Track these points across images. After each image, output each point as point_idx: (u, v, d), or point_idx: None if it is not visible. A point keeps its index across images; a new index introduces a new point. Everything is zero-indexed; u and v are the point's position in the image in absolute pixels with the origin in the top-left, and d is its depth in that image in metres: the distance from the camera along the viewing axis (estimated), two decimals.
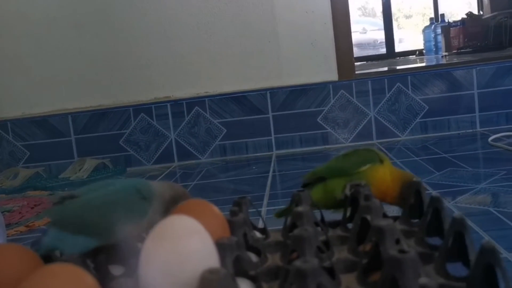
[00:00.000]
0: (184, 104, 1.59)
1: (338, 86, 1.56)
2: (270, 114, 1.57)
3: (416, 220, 0.52)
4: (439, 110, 1.54)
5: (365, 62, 3.37)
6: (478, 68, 1.53)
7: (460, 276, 0.39)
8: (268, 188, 1.11)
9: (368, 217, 0.47)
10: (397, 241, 0.40)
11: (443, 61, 2.25)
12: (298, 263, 0.34)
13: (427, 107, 1.54)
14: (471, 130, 1.53)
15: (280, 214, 0.63)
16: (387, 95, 1.55)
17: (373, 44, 5.00)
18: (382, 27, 3.61)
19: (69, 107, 1.65)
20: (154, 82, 1.63)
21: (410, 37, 5.43)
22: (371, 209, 0.47)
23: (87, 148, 1.62)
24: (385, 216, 0.49)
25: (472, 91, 1.53)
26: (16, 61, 1.66)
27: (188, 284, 0.34)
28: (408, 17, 6.55)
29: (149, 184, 0.51)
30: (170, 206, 0.50)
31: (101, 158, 1.60)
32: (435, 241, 0.47)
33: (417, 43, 3.84)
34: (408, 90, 1.54)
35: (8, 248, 0.42)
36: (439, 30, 3.15)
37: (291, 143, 1.57)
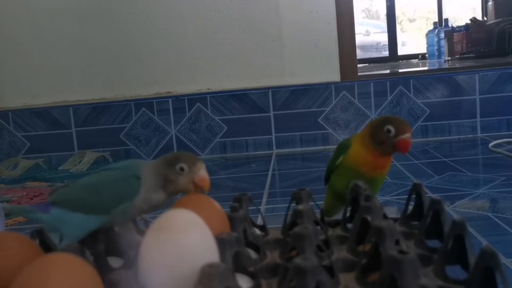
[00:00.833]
0: (186, 100, 1.59)
1: (340, 87, 1.56)
2: (271, 113, 1.57)
3: (415, 222, 0.52)
4: (441, 114, 1.54)
5: (367, 64, 3.37)
6: (480, 73, 1.53)
7: (459, 279, 0.39)
8: (267, 187, 1.11)
9: (368, 218, 0.47)
10: (397, 242, 0.40)
11: (446, 66, 2.26)
12: (298, 260, 0.34)
13: (429, 111, 1.54)
14: (471, 135, 1.53)
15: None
16: (389, 98, 1.55)
17: (376, 46, 5.00)
18: (386, 29, 3.61)
19: (70, 99, 1.65)
20: (156, 77, 1.63)
21: (413, 41, 5.43)
22: (372, 210, 0.47)
23: (88, 140, 1.62)
24: (385, 217, 0.50)
25: (474, 97, 1.53)
26: (18, 51, 1.66)
27: (187, 277, 0.34)
28: (412, 20, 6.55)
29: (142, 163, 0.51)
30: (164, 169, 0.49)
31: (101, 151, 1.60)
32: (434, 243, 0.47)
33: (420, 47, 3.84)
34: (410, 93, 1.54)
35: (8, 236, 0.42)
36: (442, 35, 3.16)
37: (292, 143, 1.57)
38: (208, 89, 1.61)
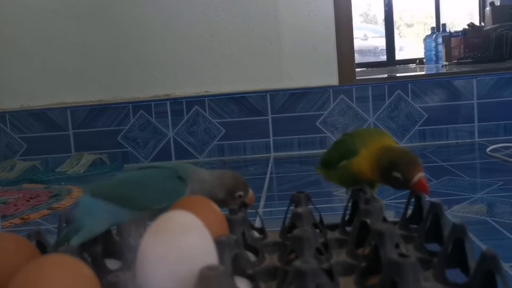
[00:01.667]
0: (184, 102, 1.59)
1: (338, 90, 1.56)
2: (270, 116, 1.57)
3: (415, 226, 0.52)
4: (438, 119, 1.54)
5: (365, 68, 3.38)
6: (478, 78, 1.53)
7: (459, 283, 0.38)
8: (265, 190, 1.11)
9: (368, 221, 0.47)
10: (397, 245, 0.40)
11: (443, 71, 2.26)
12: (297, 263, 0.34)
13: (426, 115, 1.54)
14: (469, 140, 1.53)
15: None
16: (387, 102, 1.55)
17: (374, 51, 5.01)
18: (384, 34, 3.62)
19: (68, 101, 1.65)
20: (154, 79, 1.62)
21: (410, 46, 5.44)
22: (371, 213, 0.47)
23: (85, 142, 1.61)
24: (384, 220, 0.49)
25: (472, 101, 1.53)
26: (16, 53, 1.66)
27: (186, 279, 0.34)
28: (409, 25, 6.57)
29: (189, 167, 0.54)
30: (223, 193, 0.53)
31: (98, 153, 1.59)
32: (434, 247, 0.47)
33: (418, 52, 3.85)
34: (408, 97, 1.54)
35: (4, 237, 0.42)
36: (440, 40, 3.17)
37: (289, 146, 1.57)
38: (206, 91, 1.61)
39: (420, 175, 0.52)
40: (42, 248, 0.48)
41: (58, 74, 1.65)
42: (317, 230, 0.51)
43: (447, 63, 2.91)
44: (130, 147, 1.61)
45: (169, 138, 1.60)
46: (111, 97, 1.63)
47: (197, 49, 1.60)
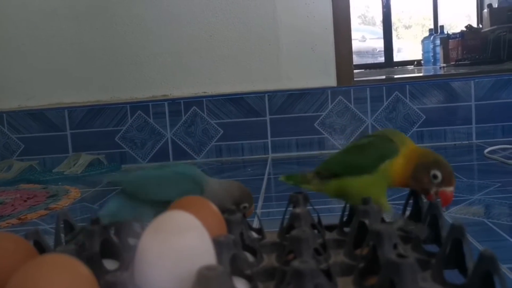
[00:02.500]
0: (182, 103, 1.59)
1: (336, 92, 1.56)
2: (268, 117, 1.57)
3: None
4: (436, 120, 1.55)
5: (363, 70, 3.38)
6: (476, 80, 1.54)
7: (457, 284, 0.38)
8: (263, 191, 1.11)
9: (366, 221, 0.47)
10: (395, 246, 0.40)
11: (441, 72, 2.26)
12: (296, 263, 0.34)
13: (424, 117, 1.55)
14: (467, 142, 1.53)
15: (288, 178, 0.64)
16: (385, 103, 1.55)
17: (372, 52, 5.02)
18: (382, 36, 3.63)
19: (66, 101, 1.65)
20: (152, 79, 1.62)
21: (408, 47, 5.45)
22: (369, 213, 0.47)
23: (83, 143, 1.61)
24: (382, 221, 0.49)
25: (470, 103, 1.54)
26: (14, 53, 1.65)
27: (184, 279, 0.34)
28: (407, 27, 6.58)
29: (203, 174, 0.59)
30: (230, 203, 0.56)
31: (96, 154, 1.59)
32: (432, 248, 0.47)
33: (416, 54, 3.86)
34: (406, 99, 1.55)
35: (2, 237, 0.42)
36: (438, 42, 3.18)
37: (287, 147, 1.57)
38: (204, 92, 1.60)
39: (453, 189, 0.51)
40: (40, 248, 0.48)
41: (56, 74, 1.64)
42: (315, 231, 0.51)
43: (445, 64, 2.92)
44: (127, 148, 1.61)
45: (167, 138, 1.60)
46: (109, 98, 1.63)
47: (195, 49, 1.60)
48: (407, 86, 1.55)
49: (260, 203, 1.00)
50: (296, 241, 0.40)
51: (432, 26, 3.76)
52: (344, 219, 0.55)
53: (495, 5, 3.14)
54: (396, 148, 0.54)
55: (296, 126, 1.56)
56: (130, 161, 1.61)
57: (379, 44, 3.95)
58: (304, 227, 0.47)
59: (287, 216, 0.53)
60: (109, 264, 0.47)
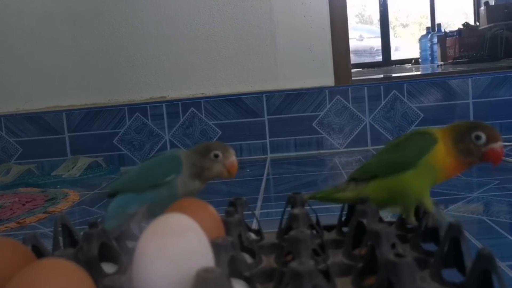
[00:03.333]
0: (180, 104, 1.59)
1: (334, 91, 1.56)
2: (266, 117, 1.57)
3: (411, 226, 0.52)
4: (434, 118, 1.54)
5: (361, 69, 3.39)
6: (473, 78, 1.54)
7: (455, 282, 0.38)
8: (261, 191, 1.11)
9: (364, 221, 0.47)
10: (393, 246, 0.40)
11: (439, 70, 2.27)
12: (294, 264, 0.34)
13: (422, 115, 1.55)
14: None
15: (315, 194, 0.60)
16: (383, 102, 1.55)
17: (370, 51, 5.02)
18: (379, 34, 3.63)
19: (63, 104, 1.64)
20: (149, 81, 1.62)
21: (406, 46, 5.45)
22: (367, 213, 0.47)
23: (81, 146, 1.61)
24: (381, 220, 0.49)
25: (467, 101, 1.54)
26: (11, 56, 1.65)
27: (182, 282, 0.34)
28: (404, 26, 6.58)
29: (181, 151, 0.59)
30: (198, 157, 0.56)
31: (94, 156, 1.59)
32: (430, 246, 0.47)
33: (413, 52, 3.86)
34: (404, 97, 1.55)
35: (0, 242, 0.42)
36: (435, 40, 3.18)
37: (286, 147, 1.57)
38: (202, 93, 1.60)
39: (501, 143, 0.49)
40: (38, 253, 0.47)
41: (53, 77, 1.64)
42: (314, 231, 0.51)
43: (442, 62, 2.93)
44: (126, 150, 1.61)
45: (165, 140, 1.60)
46: (107, 100, 1.63)
47: (192, 51, 1.60)
48: (405, 84, 1.55)
49: (259, 203, 1.00)
50: (294, 242, 0.40)
51: (429, 25, 3.76)
52: (343, 219, 0.55)
53: (492, 2, 3.14)
54: (432, 137, 0.52)
55: (294, 126, 1.56)
56: (129, 163, 1.60)
57: (377, 43, 3.95)
58: (302, 227, 0.47)
59: (285, 217, 0.53)
60: (108, 268, 0.47)
